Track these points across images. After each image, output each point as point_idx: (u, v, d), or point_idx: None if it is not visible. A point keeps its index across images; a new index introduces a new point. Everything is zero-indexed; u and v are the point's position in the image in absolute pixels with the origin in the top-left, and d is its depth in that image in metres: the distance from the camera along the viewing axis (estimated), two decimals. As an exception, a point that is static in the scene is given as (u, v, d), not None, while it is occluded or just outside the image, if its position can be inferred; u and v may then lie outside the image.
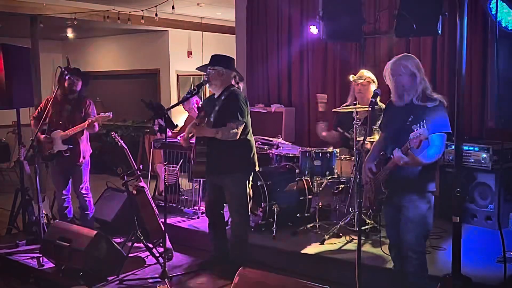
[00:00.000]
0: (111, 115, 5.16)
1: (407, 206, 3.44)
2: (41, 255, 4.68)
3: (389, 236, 3.74)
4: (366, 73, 5.14)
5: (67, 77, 5.11)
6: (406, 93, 3.42)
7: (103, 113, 5.14)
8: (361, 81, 5.11)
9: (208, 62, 4.38)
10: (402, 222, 3.47)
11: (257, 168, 4.52)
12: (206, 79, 4.33)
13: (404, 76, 3.39)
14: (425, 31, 4.95)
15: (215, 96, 4.43)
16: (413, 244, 3.45)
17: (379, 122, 3.87)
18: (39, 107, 5.38)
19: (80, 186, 5.33)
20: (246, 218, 4.54)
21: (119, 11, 8.40)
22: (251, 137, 4.45)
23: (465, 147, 5.24)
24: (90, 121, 5.08)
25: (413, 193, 3.43)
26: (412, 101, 3.41)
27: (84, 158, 5.29)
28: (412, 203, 3.42)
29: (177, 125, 4.32)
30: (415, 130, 3.08)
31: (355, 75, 5.21)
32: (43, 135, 5.20)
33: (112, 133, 5.34)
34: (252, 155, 4.44)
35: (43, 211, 5.17)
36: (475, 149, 5.19)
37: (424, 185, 3.44)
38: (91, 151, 5.46)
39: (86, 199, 5.38)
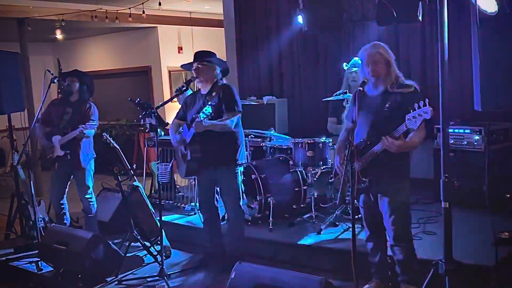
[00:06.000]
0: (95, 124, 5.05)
1: (389, 195, 3.40)
2: (39, 259, 4.69)
3: (368, 226, 3.70)
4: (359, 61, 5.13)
5: (55, 81, 5.06)
6: (382, 81, 3.40)
7: (88, 124, 4.94)
8: (354, 69, 5.10)
9: (193, 59, 4.35)
10: (385, 212, 3.44)
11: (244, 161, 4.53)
12: (195, 75, 4.31)
13: (380, 64, 3.36)
14: (406, 18, 4.91)
15: (203, 92, 4.37)
16: (398, 234, 3.44)
17: (346, 112, 3.81)
18: (44, 110, 5.22)
19: (84, 191, 5.23)
20: (242, 212, 4.57)
21: (106, 10, 8.34)
22: (242, 130, 4.46)
23: (457, 130, 5.25)
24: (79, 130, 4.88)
25: (397, 179, 3.41)
26: (387, 89, 3.40)
27: (84, 162, 5.16)
28: (396, 191, 3.40)
29: (167, 123, 4.30)
30: (416, 109, 3.02)
31: (347, 63, 5.19)
32: (45, 140, 5.12)
33: (103, 134, 5.29)
34: (242, 147, 4.45)
35: (40, 215, 5.16)
36: (467, 131, 5.20)
37: (408, 171, 3.45)
38: (95, 155, 5.33)
39: (90, 202, 5.30)
